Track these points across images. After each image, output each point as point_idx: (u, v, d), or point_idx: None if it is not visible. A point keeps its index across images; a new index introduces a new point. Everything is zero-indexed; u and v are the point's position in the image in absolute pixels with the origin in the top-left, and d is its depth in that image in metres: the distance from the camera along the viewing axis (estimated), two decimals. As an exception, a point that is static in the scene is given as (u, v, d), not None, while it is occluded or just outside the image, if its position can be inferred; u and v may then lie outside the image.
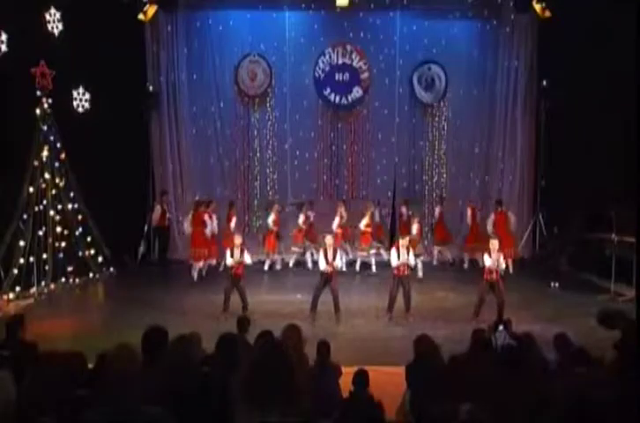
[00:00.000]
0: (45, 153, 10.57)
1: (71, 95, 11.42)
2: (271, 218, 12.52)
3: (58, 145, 10.81)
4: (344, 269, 10.32)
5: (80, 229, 11.12)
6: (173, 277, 12.09)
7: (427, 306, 9.58)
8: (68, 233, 10.87)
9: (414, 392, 4.68)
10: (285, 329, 5.09)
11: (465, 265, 12.77)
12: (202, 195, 13.40)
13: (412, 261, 9.16)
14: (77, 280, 11.04)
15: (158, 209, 12.77)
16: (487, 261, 8.86)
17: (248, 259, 9.26)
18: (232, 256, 9.10)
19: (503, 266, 8.96)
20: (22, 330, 5.37)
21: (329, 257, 9.03)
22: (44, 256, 10.34)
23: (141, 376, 2.88)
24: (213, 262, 12.06)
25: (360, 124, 13.82)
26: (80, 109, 11.54)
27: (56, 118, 10.71)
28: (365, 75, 13.57)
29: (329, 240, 9.26)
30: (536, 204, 13.44)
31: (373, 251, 12.50)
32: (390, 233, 13.68)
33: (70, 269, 10.88)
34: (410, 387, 4.74)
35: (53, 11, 10.81)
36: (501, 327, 5.25)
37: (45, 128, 10.62)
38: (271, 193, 13.71)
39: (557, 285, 11.06)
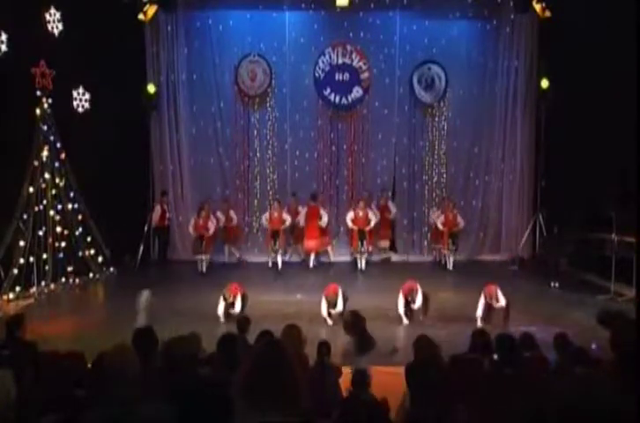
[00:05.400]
0: (45, 153, 10.57)
1: (71, 95, 11.42)
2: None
3: (58, 145, 10.81)
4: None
5: (80, 229, 11.12)
6: (173, 277, 12.10)
7: (427, 306, 9.58)
8: (68, 233, 10.87)
9: (414, 392, 4.67)
10: (285, 329, 5.09)
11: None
12: (202, 195, 13.40)
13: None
14: (77, 280, 11.04)
15: (158, 209, 12.84)
16: None
17: None
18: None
19: None
20: (22, 329, 5.37)
21: None
22: (44, 256, 10.34)
23: (140, 376, 2.88)
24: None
25: (360, 124, 13.81)
26: (80, 109, 11.55)
27: (56, 118, 10.71)
28: (365, 75, 13.57)
29: None
30: (536, 204, 13.45)
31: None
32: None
33: (70, 269, 10.88)
34: (410, 387, 4.73)
35: (53, 11, 10.81)
36: None
37: (45, 128, 10.62)
38: (271, 193, 13.71)
39: (557, 285, 11.06)
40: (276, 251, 12.43)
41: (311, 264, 12.91)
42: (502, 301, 8.44)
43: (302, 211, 12.92)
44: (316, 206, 12.91)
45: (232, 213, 13.07)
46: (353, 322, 5.12)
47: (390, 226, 13.52)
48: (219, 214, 12.70)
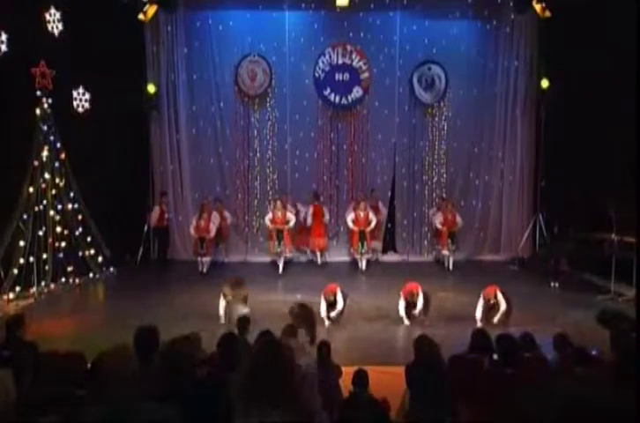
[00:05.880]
0: (45, 153, 10.56)
1: (71, 95, 11.42)
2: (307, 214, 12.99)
3: (58, 145, 10.81)
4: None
5: (80, 229, 11.13)
6: (173, 277, 12.11)
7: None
8: (68, 233, 10.87)
9: (414, 392, 4.67)
10: (285, 329, 5.10)
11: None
12: (202, 195, 13.40)
13: None
14: (77, 280, 11.03)
15: (156, 210, 12.81)
16: None
17: None
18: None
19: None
20: (22, 329, 5.37)
21: None
22: (44, 256, 10.34)
23: (140, 376, 2.88)
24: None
25: (360, 124, 13.81)
26: (80, 109, 11.54)
27: (56, 118, 10.71)
28: (365, 75, 13.56)
29: None
30: (536, 204, 13.46)
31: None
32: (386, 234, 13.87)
33: (70, 269, 10.88)
34: (410, 387, 4.74)
35: (53, 11, 10.80)
36: None
37: (45, 128, 10.62)
38: (271, 193, 13.71)
39: (557, 285, 11.07)
40: (279, 253, 12.36)
41: (319, 262, 13.17)
42: (503, 306, 8.42)
43: (307, 210, 13.05)
44: (320, 205, 13.13)
45: (226, 213, 13.01)
46: (303, 315, 5.24)
47: (381, 226, 13.51)
48: (214, 215, 12.61)
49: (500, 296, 8.45)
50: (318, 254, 13.26)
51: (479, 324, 8.36)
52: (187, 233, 13.01)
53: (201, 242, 12.14)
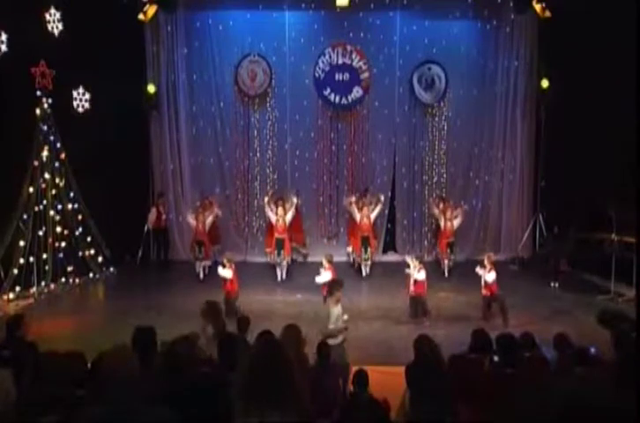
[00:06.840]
0: (45, 153, 10.58)
1: (71, 95, 11.43)
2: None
3: (58, 145, 10.82)
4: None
5: (80, 229, 11.13)
6: (173, 277, 12.09)
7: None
8: (68, 233, 10.88)
9: (414, 392, 4.67)
10: (284, 329, 5.10)
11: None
12: (202, 195, 13.37)
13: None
14: (77, 280, 11.05)
15: (153, 211, 12.74)
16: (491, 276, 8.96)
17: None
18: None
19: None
20: (22, 329, 5.38)
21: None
22: (44, 256, 10.35)
23: (139, 377, 2.88)
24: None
25: (360, 124, 13.80)
26: (80, 109, 11.55)
27: (56, 118, 10.72)
28: (365, 75, 13.56)
29: None
30: (536, 204, 13.45)
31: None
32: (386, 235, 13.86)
33: (70, 269, 10.89)
34: (410, 387, 4.74)
35: (53, 11, 10.81)
36: None
37: (45, 128, 10.63)
38: (270, 193, 13.67)
39: (557, 285, 11.07)
40: (281, 261, 12.00)
41: (302, 257, 13.34)
42: (492, 276, 8.88)
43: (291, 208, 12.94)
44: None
45: (217, 210, 12.46)
46: (209, 311, 5.51)
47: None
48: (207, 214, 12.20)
49: (493, 272, 8.91)
50: (299, 248, 13.33)
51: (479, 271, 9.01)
52: (187, 234, 12.99)
53: (199, 246, 11.92)
